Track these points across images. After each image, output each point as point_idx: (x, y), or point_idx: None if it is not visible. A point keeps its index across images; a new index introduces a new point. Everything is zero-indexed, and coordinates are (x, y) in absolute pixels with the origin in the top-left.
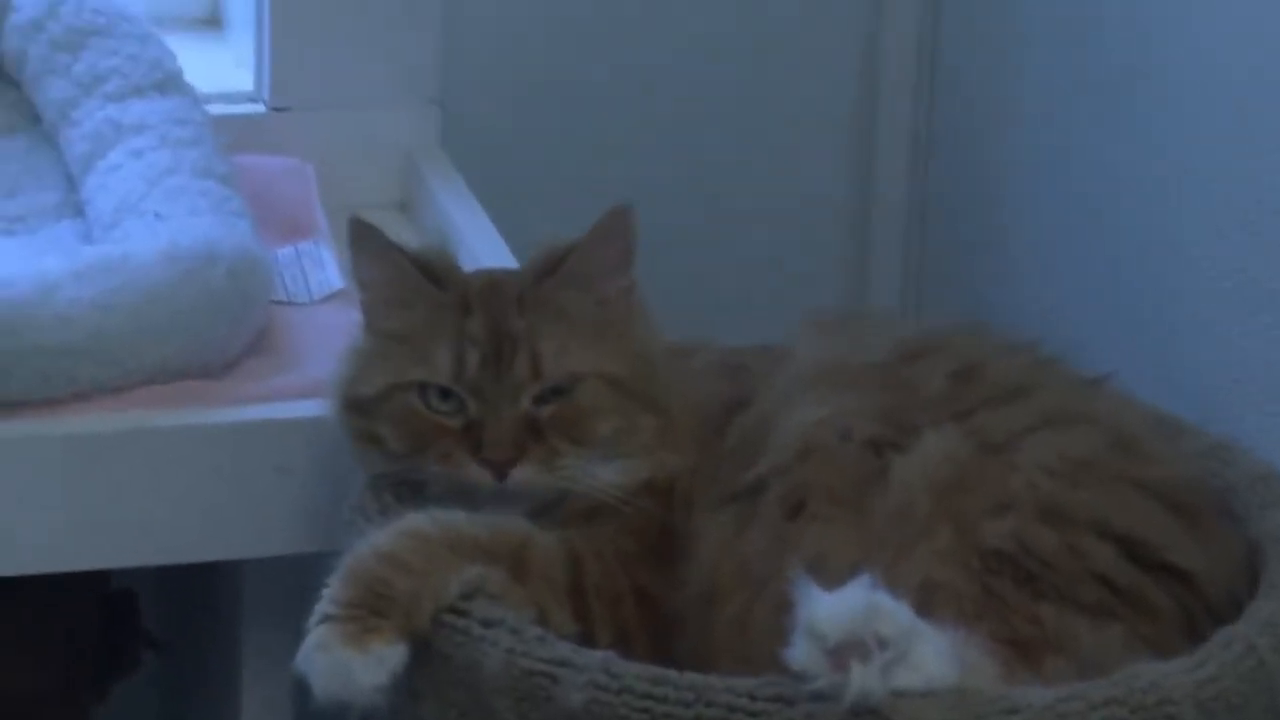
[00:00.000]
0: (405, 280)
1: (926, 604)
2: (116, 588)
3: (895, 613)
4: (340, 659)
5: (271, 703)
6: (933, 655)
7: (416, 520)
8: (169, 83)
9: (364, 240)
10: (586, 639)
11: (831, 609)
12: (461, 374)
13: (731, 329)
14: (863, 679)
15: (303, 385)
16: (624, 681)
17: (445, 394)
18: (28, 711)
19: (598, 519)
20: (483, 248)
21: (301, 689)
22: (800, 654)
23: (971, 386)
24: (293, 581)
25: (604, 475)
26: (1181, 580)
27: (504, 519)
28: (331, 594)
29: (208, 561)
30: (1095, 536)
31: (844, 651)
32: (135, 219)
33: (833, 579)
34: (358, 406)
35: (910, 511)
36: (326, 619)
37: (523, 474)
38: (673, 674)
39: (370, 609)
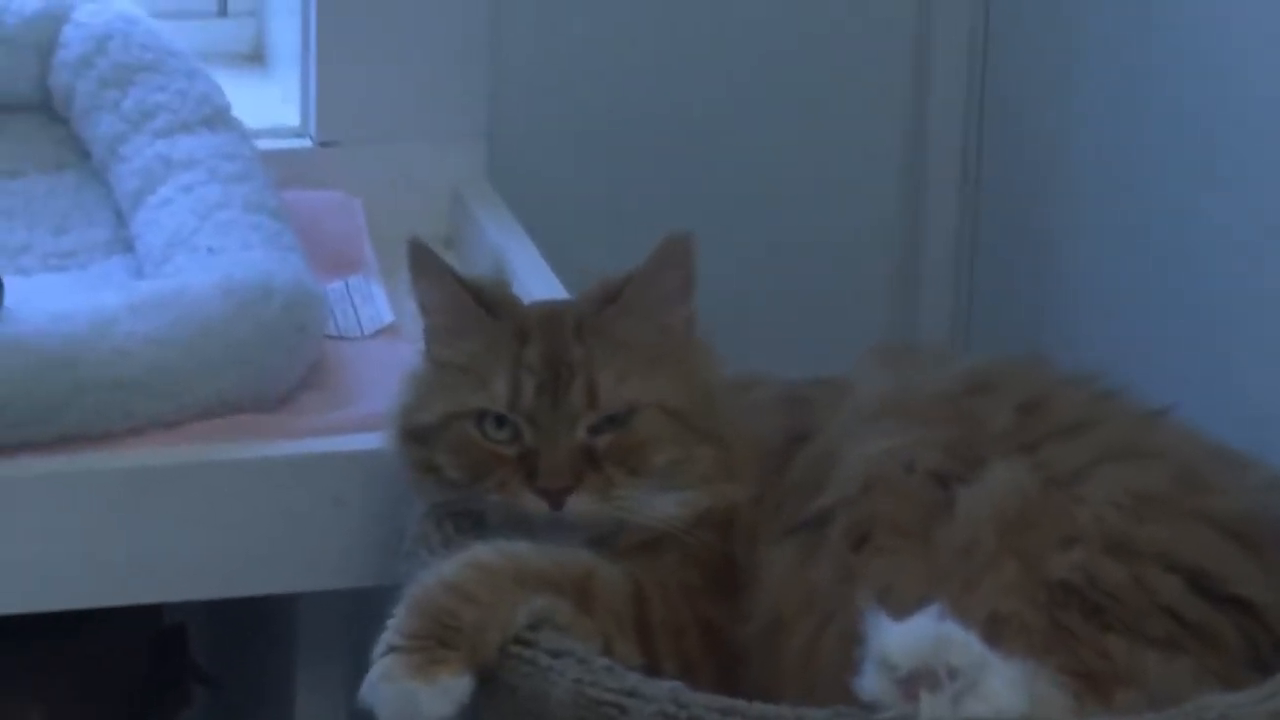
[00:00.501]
0: (461, 307)
1: (994, 636)
2: (167, 623)
3: (966, 643)
4: (406, 690)
5: None
6: (1003, 686)
7: (481, 551)
8: (217, 118)
9: (422, 263)
10: (651, 671)
11: (902, 639)
12: (518, 402)
13: (777, 361)
14: (933, 709)
15: (357, 419)
16: (692, 711)
17: (501, 422)
18: None
19: (657, 550)
20: (533, 280)
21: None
22: (871, 684)
23: (1036, 419)
24: (347, 616)
25: (661, 506)
26: (1248, 612)
27: (568, 550)
28: (397, 624)
29: (262, 595)
30: (1162, 569)
31: (915, 681)
32: (187, 254)
33: (899, 611)
34: (416, 435)
35: (977, 545)
36: (392, 649)
37: (578, 503)
38: (741, 704)
39: (436, 640)
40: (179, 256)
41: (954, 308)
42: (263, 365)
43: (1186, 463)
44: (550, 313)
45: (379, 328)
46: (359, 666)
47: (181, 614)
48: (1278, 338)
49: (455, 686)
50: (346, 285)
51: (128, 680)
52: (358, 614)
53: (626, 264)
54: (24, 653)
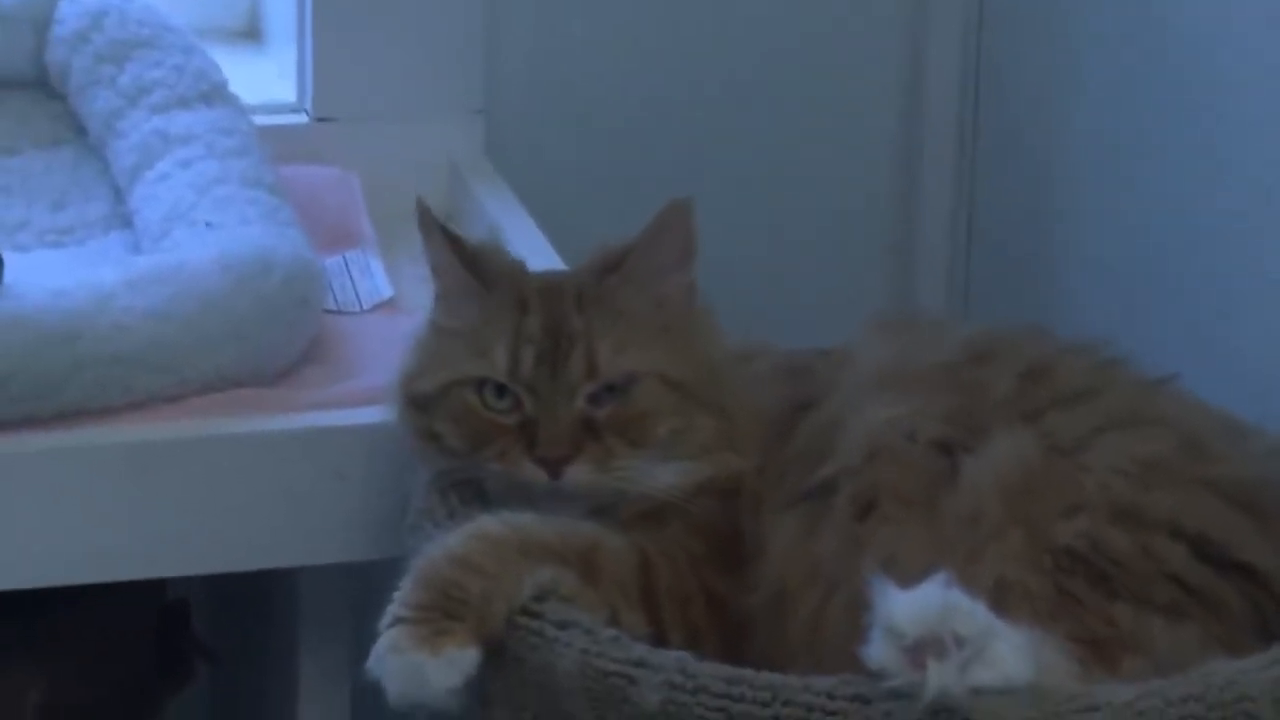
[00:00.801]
0: (458, 274)
1: (1000, 604)
2: (170, 598)
3: (972, 610)
4: (413, 661)
5: (329, 710)
6: (1010, 653)
7: (487, 523)
8: (214, 93)
9: (426, 227)
10: (658, 641)
11: (909, 607)
12: (518, 371)
13: (773, 334)
14: (941, 677)
15: (358, 392)
16: (700, 681)
17: (501, 391)
18: None
19: (660, 521)
20: (531, 255)
21: (360, 696)
22: (878, 652)
23: (1040, 388)
24: (349, 590)
25: (661, 476)
26: (1253, 579)
27: (573, 522)
28: (403, 597)
29: (265, 569)
30: (1167, 536)
31: (922, 649)
32: (185, 229)
33: (905, 579)
34: (417, 402)
35: (981, 513)
36: (399, 621)
37: (577, 473)
38: (749, 673)
39: (443, 611)
40: (177, 232)
41: (950, 282)
42: (263, 340)
43: (1190, 431)
44: (551, 282)
45: (378, 302)
46: (362, 640)
47: (184, 589)
48: (1273, 308)
49: (462, 658)
50: (345, 260)
51: (130, 656)
52: (360, 588)
53: (625, 235)
54: (25, 629)
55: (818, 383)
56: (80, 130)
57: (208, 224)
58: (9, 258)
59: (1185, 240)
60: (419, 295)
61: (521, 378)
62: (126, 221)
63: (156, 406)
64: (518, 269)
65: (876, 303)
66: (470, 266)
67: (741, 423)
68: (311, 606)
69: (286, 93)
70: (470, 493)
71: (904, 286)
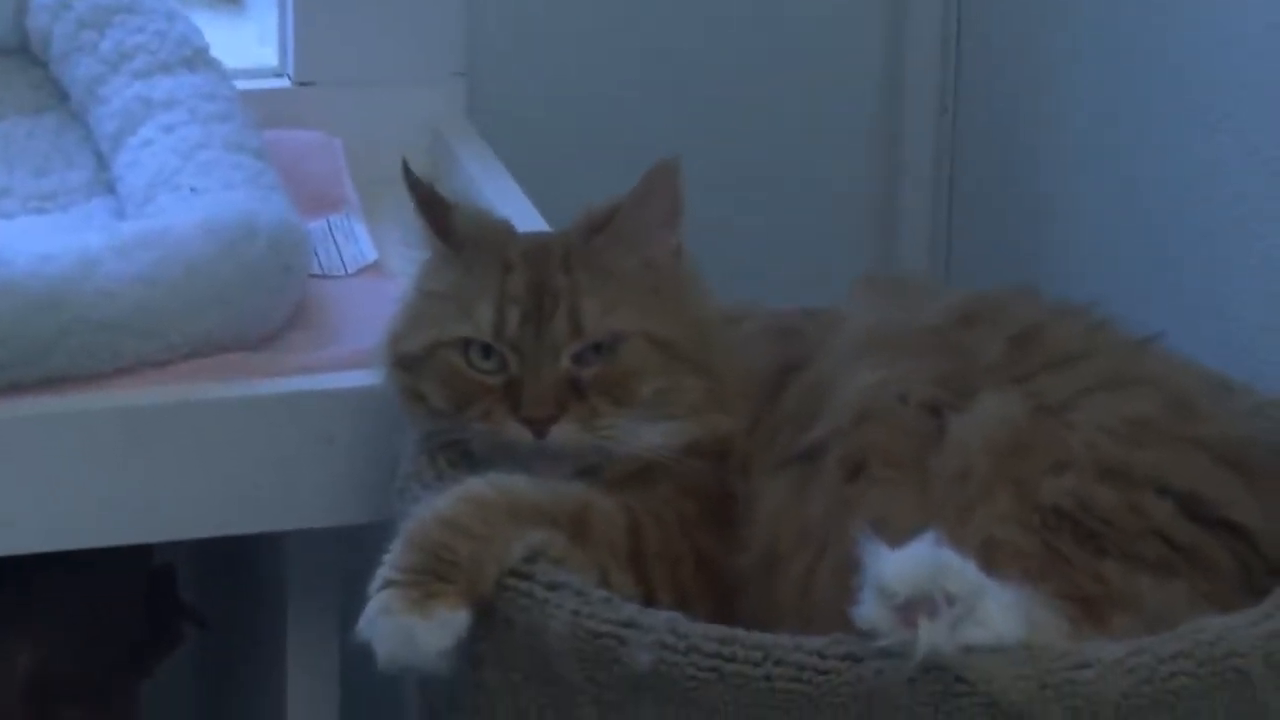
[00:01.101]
0: (443, 235)
1: (990, 563)
2: (157, 563)
3: (963, 569)
4: (404, 624)
5: (317, 674)
6: (1001, 611)
7: (476, 485)
8: (196, 58)
9: (411, 189)
10: (647, 603)
11: (899, 566)
12: (502, 331)
13: (755, 294)
14: (932, 635)
15: (345, 356)
16: (691, 641)
17: (486, 351)
18: (74, 690)
19: (649, 482)
20: (514, 217)
21: (349, 660)
22: (869, 612)
23: (1029, 351)
24: (337, 554)
25: (647, 436)
26: (1240, 536)
27: (563, 483)
28: (393, 559)
29: (253, 534)
30: (1155, 494)
31: (913, 608)
32: (169, 194)
33: (895, 540)
34: (403, 363)
35: (970, 473)
36: (389, 584)
37: (562, 433)
38: (741, 633)
39: (433, 574)
40: (161, 197)
41: (932, 243)
42: (248, 304)
43: (1177, 389)
44: (537, 243)
45: (362, 266)
46: (349, 604)
47: (171, 554)
48: (1261, 265)
49: (453, 620)
50: (329, 224)
51: (118, 622)
52: (348, 552)
53: (608, 196)
54: (13, 596)
55: (807, 344)
56: (62, 96)
57: (192, 189)
58: None
59: (1171, 198)
60: (402, 259)
61: (506, 337)
62: (109, 187)
63: (143, 372)
64: (503, 230)
65: (859, 264)
66: (455, 228)
67: (729, 383)
68: (299, 570)
69: (268, 57)
70: (458, 455)
71: (887, 248)
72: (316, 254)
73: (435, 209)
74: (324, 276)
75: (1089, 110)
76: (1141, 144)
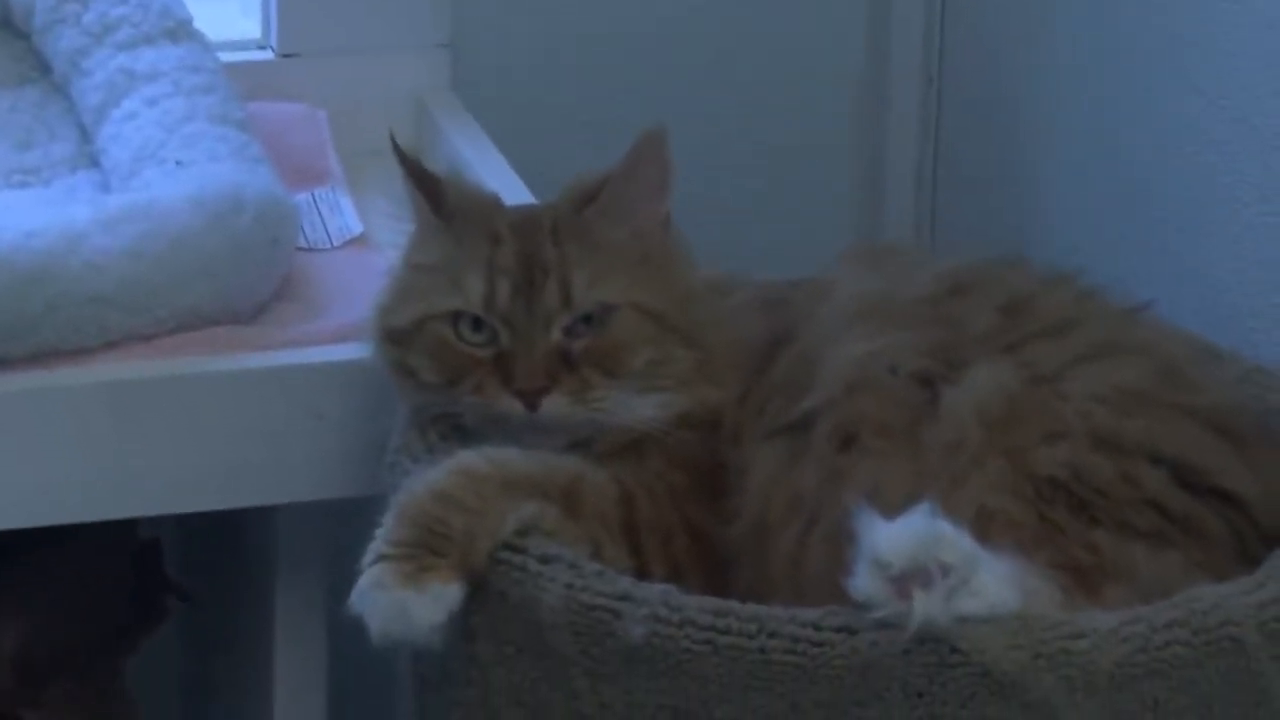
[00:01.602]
0: (432, 208)
1: (983, 533)
2: (142, 538)
3: (957, 540)
4: (397, 598)
5: (305, 649)
6: (995, 582)
7: (468, 458)
8: (180, 30)
9: (400, 162)
10: (640, 575)
11: (894, 537)
12: (493, 303)
13: (740, 264)
14: (926, 606)
15: (333, 329)
16: (685, 614)
17: (477, 324)
18: (60, 665)
19: (640, 454)
20: (500, 189)
21: (337, 634)
22: (863, 583)
23: (1019, 320)
24: (325, 528)
25: (638, 408)
26: (1233, 505)
27: (555, 456)
28: (386, 533)
29: (242, 508)
30: (1147, 463)
31: (907, 579)
32: (154, 167)
33: (888, 510)
34: (392, 337)
35: (963, 443)
36: (382, 558)
37: (554, 405)
38: (735, 605)
39: (426, 548)
40: (146, 170)
41: (917, 209)
42: (235, 278)
43: (1168, 358)
44: (526, 215)
45: (348, 238)
46: (338, 579)
47: (157, 529)
48: (1247, 233)
49: (446, 594)
50: (313, 197)
51: (104, 597)
52: (336, 526)
53: (594, 167)
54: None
55: (796, 315)
56: (45, 69)
57: (177, 162)
58: None
59: (1156, 165)
60: (388, 232)
61: (497, 310)
62: (93, 161)
63: (130, 346)
64: (491, 203)
65: (844, 233)
66: (444, 201)
67: (719, 354)
68: (287, 545)
69: (251, 29)
70: (449, 428)
71: (872, 217)
72: (301, 227)
73: (424, 183)
74: (309, 249)
75: (1074, 78)
76: (1127, 111)
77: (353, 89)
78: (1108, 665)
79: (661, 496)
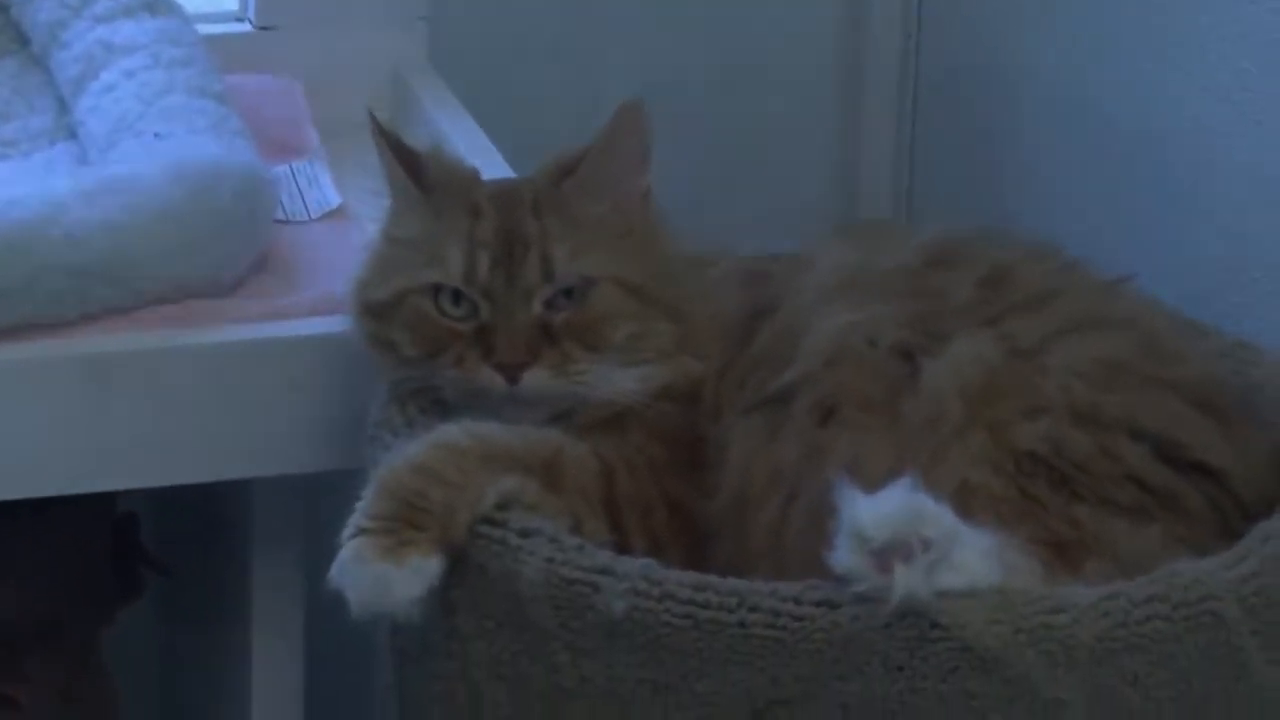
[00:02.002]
0: (410, 182)
1: (964, 508)
2: (120, 511)
3: (938, 514)
4: (376, 572)
5: (283, 623)
6: (976, 556)
7: (448, 431)
8: (158, 3)
9: (376, 136)
10: (620, 549)
11: (875, 511)
12: (473, 276)
13: (718, 239)
14: (907, 580)
15: (312, 302)
16: (665, 588)
17: (457, 297)
18: (37, 637)
19: (621, 428)
20: (478, 162)
21: (314, 607)
22: (844, 557)
23: (1000, 293)
24: (303, 501)
25: (619, 381)
26: (1214, 479)
27: (535, 430)
28: (365, 507)
29: (219, 481)
30: (1128, 438)
31: (888, 553)
32: (133, 139)
33: (868, 484)
34: (372, 311)
35: (943, 417)
36: (361, 532)
37: (535, 379)
38: (715, 579)
39: (405, 521)
40: (125, 143)
41: (895, 172)
42: (215, 250)
43: (1149, 332)
44: (505, 188)
45: (326, 211)
46: (316, 553)
47: (135, 502)
48: (1229, 207)
49: (425, 567)
50: (291, 169)
51: (81, 569)
52: (314, 499)
53: (572, 140)
54: None
55: (776, 288)
56: (23, 41)
57: (156, 135)
58: None
59: (1142, 138)
60: (366, 205)
61: (477, 283)
62: (72, 133)
63: (109, 318)
64: (470, 176)
65: (822, 200)
66: (422, 174)
67: (700, 327)
68: (265, 518)
69: (229, 2)
70: (428, 401)
71: (850, 181)
72: (280, 200)
73: (402, 156)
74: (287, 222)
75: (1054, 41)
76: (1106, 77)
77: (331, 62)
78: (1088, 640)
79: (642, 470)
